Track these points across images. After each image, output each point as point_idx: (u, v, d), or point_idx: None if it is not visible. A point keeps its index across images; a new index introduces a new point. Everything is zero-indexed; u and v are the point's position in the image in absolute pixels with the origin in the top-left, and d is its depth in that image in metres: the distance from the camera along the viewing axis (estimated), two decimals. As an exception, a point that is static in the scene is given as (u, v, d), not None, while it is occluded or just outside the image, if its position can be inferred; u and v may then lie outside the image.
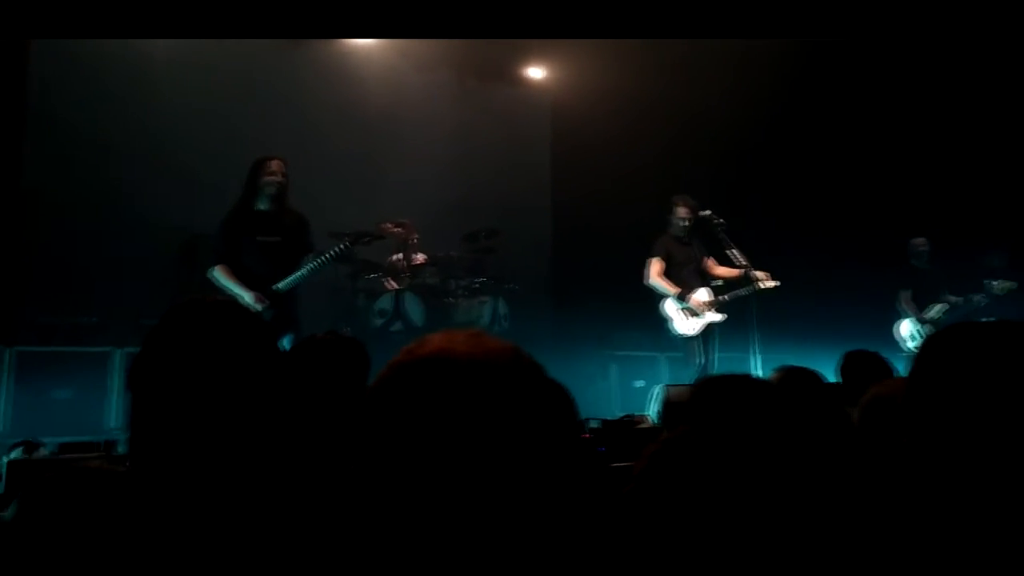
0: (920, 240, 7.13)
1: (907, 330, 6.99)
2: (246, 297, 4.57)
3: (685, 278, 5.96)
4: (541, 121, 9.68)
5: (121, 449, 2.80)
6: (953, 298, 6.86)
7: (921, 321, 6.90)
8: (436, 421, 0.85)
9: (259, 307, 4.58)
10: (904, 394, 1.11)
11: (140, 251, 6.70)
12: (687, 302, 5.83)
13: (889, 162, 7.81)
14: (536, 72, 9.37)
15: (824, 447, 1.04)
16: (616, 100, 8.21)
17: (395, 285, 7.01)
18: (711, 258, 6.09)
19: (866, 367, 2.61)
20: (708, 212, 5.89)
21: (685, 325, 5.86)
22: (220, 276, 4.73)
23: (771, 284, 5.68)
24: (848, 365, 2.72)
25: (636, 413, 4.60)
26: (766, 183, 8.16)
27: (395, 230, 6.63)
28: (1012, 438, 0.98)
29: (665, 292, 5.90)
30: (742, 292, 5.74)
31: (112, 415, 5.65)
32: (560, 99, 9.40)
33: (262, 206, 4.85)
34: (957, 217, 7.34)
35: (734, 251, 5.72)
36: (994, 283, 6.51)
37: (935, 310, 6.86)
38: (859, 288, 7.40)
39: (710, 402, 1.49)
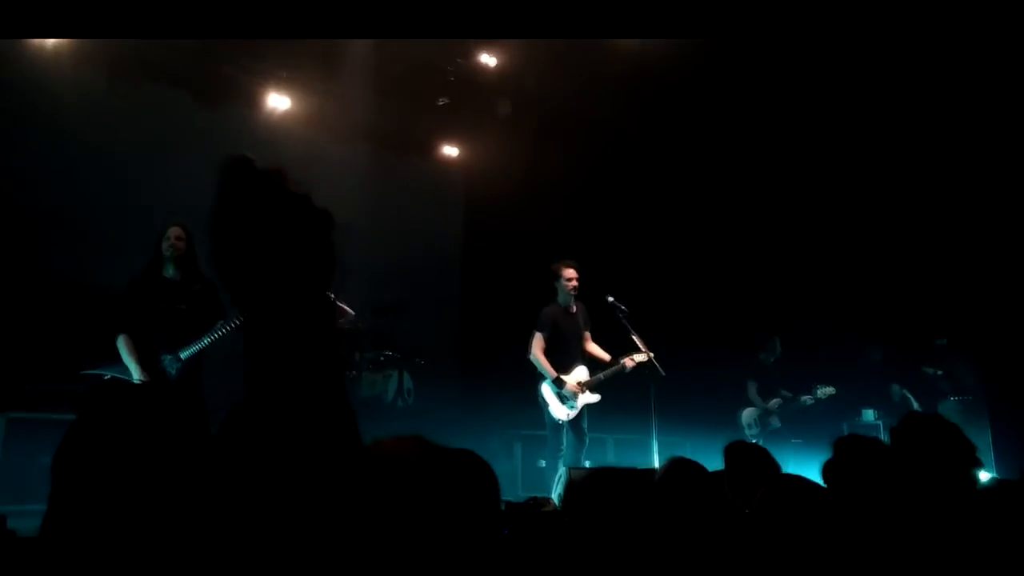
0: (775, 340, 8.02)
1: (748, 417, 7.81)
2: (135, 375, 4.66)
3: (571, 351, 6.02)
4: (455, 198, 9.86)
5: (11, 525, 2.67)
6: (787, 394, 7.77)
7: (765, 411, 7.71)
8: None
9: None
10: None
11: (30, 310, 6.38)
12: (563, 388, 5.89)
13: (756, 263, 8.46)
14: (451, 150, 9.59)
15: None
16: (531, 182, 8.46)
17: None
18: (588, 331, 6.18)
19: (749, 458, 2.83)
20: (611, 299, 6.04)
21: (561, 411, 5.90)
22: (121, 346, 4.73)
23: (640, 359, 5.83)
24: (731, 454, 2.94)
25: (540, 495, 4.63)
26: (665, 263, 8.55)
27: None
28: None
29: (544, 372, 5.93)
30: (615, 370, 5.94)
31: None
32: (474, 178, 9.62)
33: (168, 274, 4.84)
34: (803, 319, 8.02)
35: (635, 337, 5.89)
36: (818, 387, 7.65)
37: (772, 403, 7.73)
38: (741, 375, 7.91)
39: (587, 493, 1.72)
